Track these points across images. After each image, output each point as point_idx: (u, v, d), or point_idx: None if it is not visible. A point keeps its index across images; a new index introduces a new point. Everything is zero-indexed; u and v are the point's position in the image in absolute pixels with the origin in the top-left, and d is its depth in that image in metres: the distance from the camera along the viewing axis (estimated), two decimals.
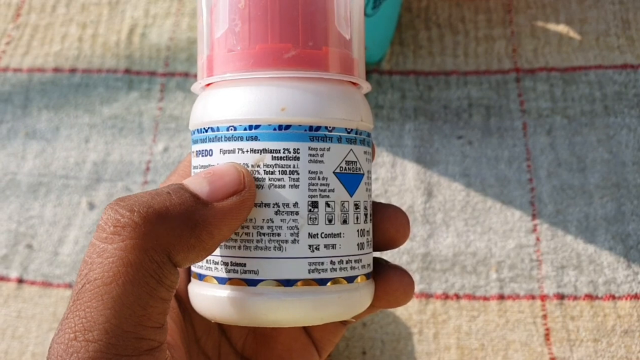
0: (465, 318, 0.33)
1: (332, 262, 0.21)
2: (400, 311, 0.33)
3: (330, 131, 0.21)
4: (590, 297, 0.33)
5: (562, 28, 0.40)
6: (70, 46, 0.43)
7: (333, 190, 0.21)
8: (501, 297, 0.33)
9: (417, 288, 0.34)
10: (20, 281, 0.36)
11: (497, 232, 0.35)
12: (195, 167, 0.23)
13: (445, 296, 0.33)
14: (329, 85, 0.22)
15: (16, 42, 0.43)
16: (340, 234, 0.21)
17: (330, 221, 0.21)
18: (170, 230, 0.19)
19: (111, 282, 0.18)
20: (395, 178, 0.37)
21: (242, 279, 0.21)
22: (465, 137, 0.38)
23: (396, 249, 0.35)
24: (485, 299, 0.33)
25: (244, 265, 0.21)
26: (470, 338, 0.32)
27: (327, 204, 0.21)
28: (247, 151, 0.21)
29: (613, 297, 0.33)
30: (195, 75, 0.41)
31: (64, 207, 0.38)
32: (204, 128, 0.22)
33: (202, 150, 0.22)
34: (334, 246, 0.21)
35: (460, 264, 0.34)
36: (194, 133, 0.23)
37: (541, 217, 0.35)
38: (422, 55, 0.40)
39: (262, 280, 0.21)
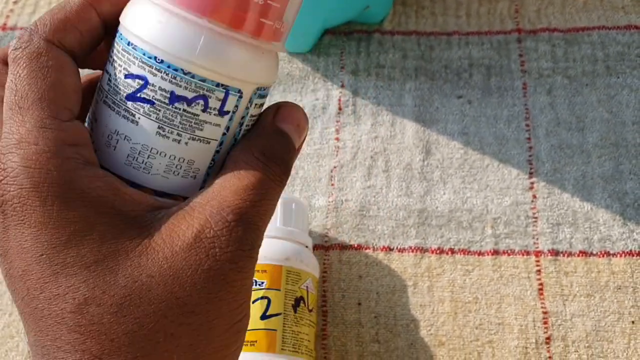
0: (459, 272, 0.33)
1: None
2: (395, 265, 0.34)
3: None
4: (584, 253, 0.33)
5: None
6: None
7: None
8: (496, 253, 0.34)
9: (413, 242, 0.34)
10: None
11: (494, 189, 0.35)
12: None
13: (440, 251, 0.34)
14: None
15: (24, 2, 0.44)
16: None
17: None
18: None
19: None
20: (394, 136, 0.37)
21: None
22: (465, 97, 0.38)
23: (393, 205, 0.35)
24: (480, 254, 0.34)
25: None
26: (464, 291, 0.33)
27: None
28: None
29: (608, 253, 0.33)
30: None
31: None
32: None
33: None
34: None
35: (456, 220, 0.35)
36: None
37: (538, 175, 0.35)
38: (424, 15, 0.40)
39: None
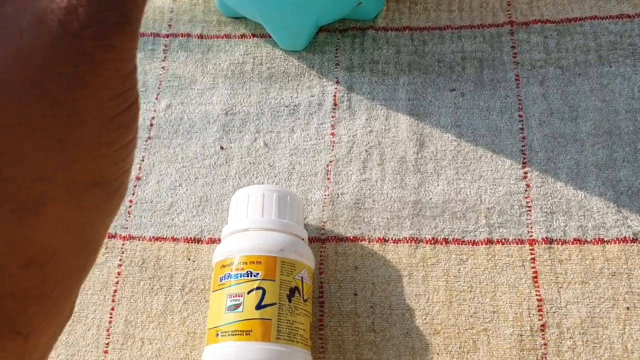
0: (454, 262, 0.34)
1: None
2: (390, 255, 0.34)
3: None
4: (579, 241, 0.34)
5: None
6: None
7: None
8: (490, 242, 0.34)
9: (407, 233, 0.35)
10: None
11: (488, 179, 0.36)
12: None
13: (435, 241, 0.34)
14: None
15: None
16: None
17: None
18: None
19: None
20: (388, 130, 0.38)
21: None
22: (458, 90, 0.38)
23: (387, 197, 0.36)
24: (474, 243, 0.34)
25: None
26: (458, 280, 0.33)
27: None
28: None
29: (602, 240, 0.33)
30: (197, 35, 0.42)
31: None
32: None
33: None
34: None
35: (450, 211, 0.35)
36: None
37: (532, 164, 0.36)
38: (417, 11, 0.41)
39: None
